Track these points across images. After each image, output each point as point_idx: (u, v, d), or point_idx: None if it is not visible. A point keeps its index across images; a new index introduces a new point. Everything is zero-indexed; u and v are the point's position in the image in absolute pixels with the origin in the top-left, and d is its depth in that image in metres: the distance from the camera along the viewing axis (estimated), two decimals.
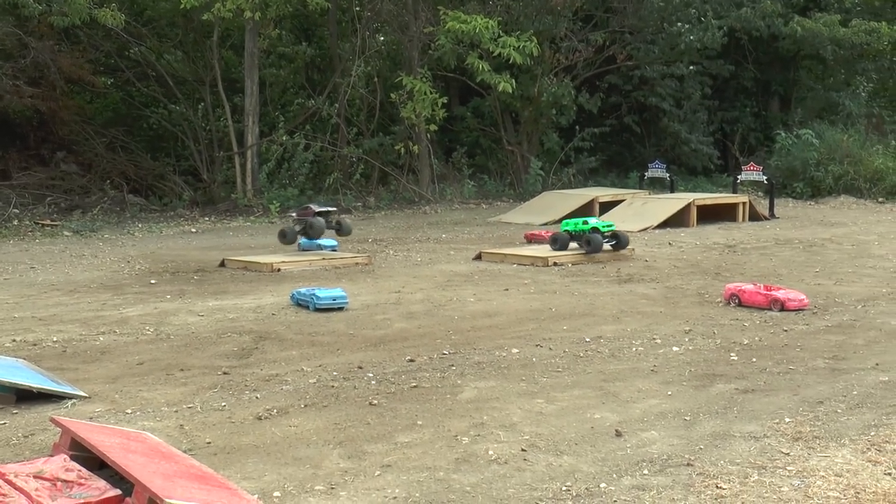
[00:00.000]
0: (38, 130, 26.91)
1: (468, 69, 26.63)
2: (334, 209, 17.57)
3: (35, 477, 5.73)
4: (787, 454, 6.52)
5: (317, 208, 16.80)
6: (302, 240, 17.89)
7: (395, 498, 5.79)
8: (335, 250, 17.22)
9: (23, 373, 8.39)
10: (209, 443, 6.86)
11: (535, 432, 7.04)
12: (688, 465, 6.32)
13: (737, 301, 11.98)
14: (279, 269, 15.24)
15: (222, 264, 15.94)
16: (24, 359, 9.14)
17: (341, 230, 17.17)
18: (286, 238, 16.63)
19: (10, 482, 5.68)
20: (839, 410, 7.58)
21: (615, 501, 5.72)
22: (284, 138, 27.26)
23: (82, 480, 5.70)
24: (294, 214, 17.23)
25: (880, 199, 27.90)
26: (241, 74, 27.58)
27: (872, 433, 7.01)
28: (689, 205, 22.35)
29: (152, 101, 28.30)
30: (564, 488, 5.94)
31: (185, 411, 7.65)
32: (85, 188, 26.16)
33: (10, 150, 26.39)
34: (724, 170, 33.56)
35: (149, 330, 10.87)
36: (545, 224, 22.15)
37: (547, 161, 30.80)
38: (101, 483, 5.65)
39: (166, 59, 28.58)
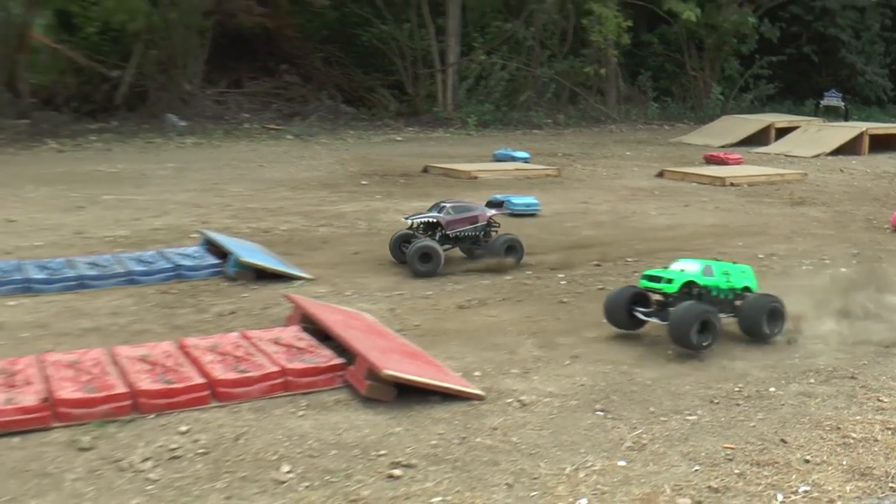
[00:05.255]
0: (265, 45, 27.68)
1: None
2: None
3: (274, 342, 6.10)
4: None
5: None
6: (497, 151, 18.04)
7: (582, 385, 5.90)
8: (528, 161, 17.27)
9: (259, 255, 8.83)
10: (417, 325, 7.10)
11: None
12: (851, 377, 6.19)
13: None
14: (476, 177, 15.37)
15: (425, 170, 16.18)
16: (259, 243, 9.59)
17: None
18: None
19: (254, 344, 6.07)
20: None
21: (783, 405, 5.67)
22: (483, 58, 27.24)
23: (312, 348, 6.02)
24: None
25: None
26: None
27: None
28: (861, 133, 21.42)
29: (364, 20, 28.55)
30: (737, 389, 5.92)
31: (395, 297, 7.93)
32: (304, 97, 26.87)
33: (241, 63, 27.30)
34: None
35: (362, 224, 11.21)
36: (723, 146, 21.61)
37: (727, 87, 29.94)
38: (328, 352, 5.95)
39: None
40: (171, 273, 8.55)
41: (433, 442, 5.01)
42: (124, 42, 25.49)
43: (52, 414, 5.25)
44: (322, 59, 28.22)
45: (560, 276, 8.77)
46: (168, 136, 21.33)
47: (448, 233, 9.12)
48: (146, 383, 5.48)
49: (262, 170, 16.16)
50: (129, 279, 8.42)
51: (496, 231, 9.37)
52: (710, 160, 18.67)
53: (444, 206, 9.27)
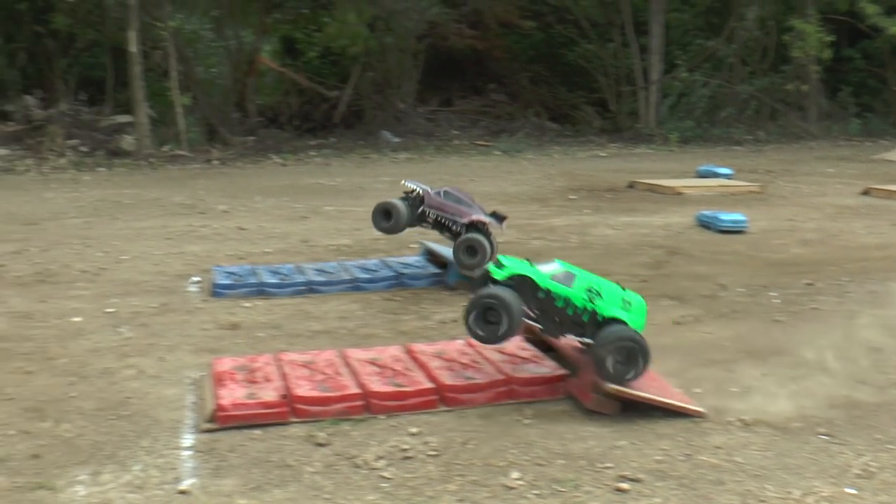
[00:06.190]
0: (474, 66, 28.08)
1: (859, 12, 24.83)
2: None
3: (498, 351, 6.07)
4: None
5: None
6: (700, 167, 17.59)
7: (803, 407, 5.60)
8: (730, 178, 16.76)
9: None
10: None
11: None
12: None
13: None
14: (681, 193, 15.00)
15: (630, 186, 15.91)
16: None
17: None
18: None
19: (479, 352, 6.06)
20: None
21: None
22: (685, 75, 26.71)
23: (535, 359, 5.96)
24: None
25: None
26: (648, 17, 27.18)
27: None
28: None
29: (569, 41, 28.53)
30: None
31: None
32: (511, 115, 27.05)
33: (452, 82, 27.80)
34: None
35: (574, 238, 11.10)
36: None
37: None
38: (551, 363, 5.88)
39: (581, 5, 28.66)
40: (394, 281, 8.69)
41: (658, 457, 4.86)
42: (343, 65, 26.31)
43: (289, 410, 5.38)
44: (528, 78, 28.40)
45: (772, 294, 8.39)
46: (382, 151, 21.83)
47: (426, 210, 8.63)
48: (377, 385, 5.55)
49: (472, 184, 16.25)
50: (355, 286, 8.60)
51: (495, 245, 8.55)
52: None
53: (442, 189, 8.80)
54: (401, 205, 8.59)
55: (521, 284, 5.56)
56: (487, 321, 5.40)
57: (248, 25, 25.97)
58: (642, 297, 5.85)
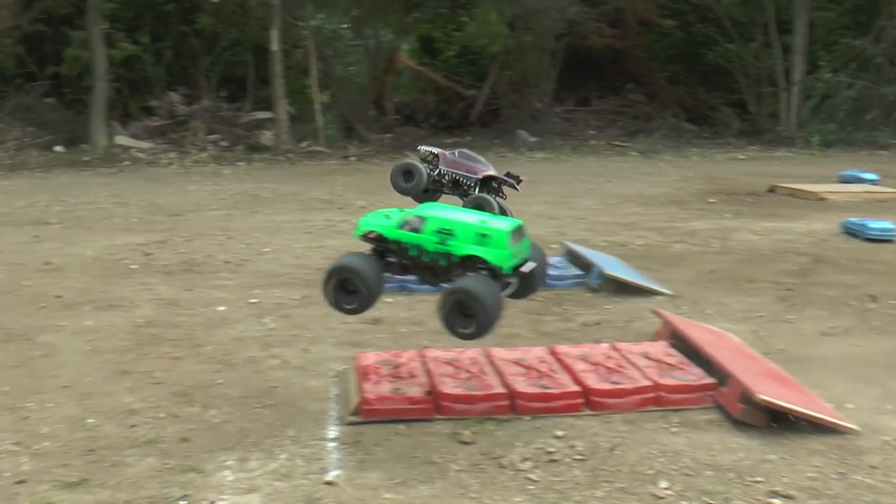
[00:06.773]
0: (612, 65, 27.81)
1: None
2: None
3: (644, 356, 5.99)
4: None
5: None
6: (843, 172, 17.01)
7: None
8: (876, 184, 16.15)
9: (620, 268, 8.76)
10: (781, 350, 6.71)
11: None
12: None
13: None
14: (825, 198, 14.53)
15: (771, 190, 15.49)
16: (616, 257, 9.51)
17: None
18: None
19: (625, 357, 6.00)
20: None
21: None
22: (829, 76, 25.88)
23: (682, 365, 5.85)
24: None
25: None
26: (792, 16, 26.42)
27: None
28: None
29: (709, 40, 27.98)
30: None
31: (756, 319, 7.56)
32: (648, 115, 26.71)
33: (589, 81, 27.61)
34: None
35: (715, 243, 10.85)
36: None
37: None
38: (698, 370, 5.76)
39: (723, 3, 28.06)
40: None
41: (810, 474, 4.71)
42: (480, 64, 26.40)
43: (434, 406, 5.42)
44: (667, 78, 28.00)
45: None
46: (519, 150, 21.81)
47: (442, 169, 8.46)
48: (522, 386, 5.55)
49: (610, 185, 16.12)
50: None
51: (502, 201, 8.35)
52: None
53: (457, 150, 8.63)
54: (422, 166, 8.53)
55: (379, 240, 5.30)
56: (351, 292, 5.18)
57: (387, 25, 26.33)
58: (519, 221, 5.44)
